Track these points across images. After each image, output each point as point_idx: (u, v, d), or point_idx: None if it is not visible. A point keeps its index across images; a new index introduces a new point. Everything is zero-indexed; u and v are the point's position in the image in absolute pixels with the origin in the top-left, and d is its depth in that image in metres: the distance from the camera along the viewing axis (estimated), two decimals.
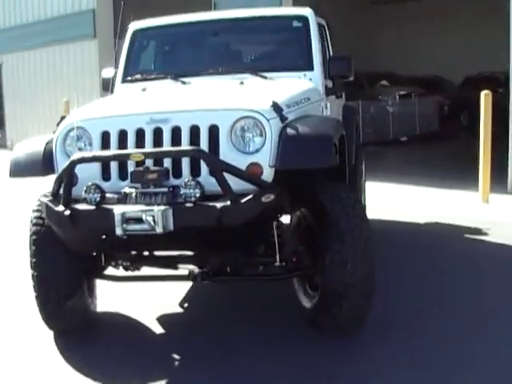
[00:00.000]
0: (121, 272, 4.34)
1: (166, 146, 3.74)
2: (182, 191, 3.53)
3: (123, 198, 3.67)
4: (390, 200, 8.57)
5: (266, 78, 4.83)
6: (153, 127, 3.76)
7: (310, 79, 4.91)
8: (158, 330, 4.47)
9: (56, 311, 4.24)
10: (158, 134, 3.76)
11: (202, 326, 4.49)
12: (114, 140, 3.82)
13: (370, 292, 3.97)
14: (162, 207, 3.50)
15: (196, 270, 4.22)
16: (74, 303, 4.23)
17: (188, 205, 3.53)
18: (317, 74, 4.96)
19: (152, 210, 3.49)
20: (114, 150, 3.75)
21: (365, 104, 15.18)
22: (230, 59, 5.29)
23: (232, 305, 4.88)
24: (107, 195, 3.67)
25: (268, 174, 3.69)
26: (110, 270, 4.37)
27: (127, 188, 3.70)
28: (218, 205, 3.47)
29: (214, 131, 3.72)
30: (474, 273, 5.44)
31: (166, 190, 3.62)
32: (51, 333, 4.37)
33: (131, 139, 3.79)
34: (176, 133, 3.75)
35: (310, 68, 4.96)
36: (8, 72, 18.39)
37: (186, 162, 3.70)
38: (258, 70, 4.90)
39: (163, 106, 3.98)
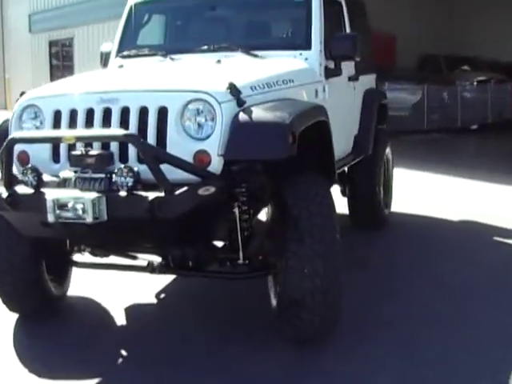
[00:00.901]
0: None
1: (114, 128, 3.44)
2: (114, 179, 3.23)
3: (62, 183, 3.41)
4: (429, 193, 7.95)
5: (256, 56, 4.42)
6: (102, 107, 3.48)
7: (306, 59, 4.46)
8: (122, 320, 4.21)
9: (12, 294, 4.07)
10: (107, 114, 3.48)
11: (172, 321, 4.18)
12: (64, 119, 3.58)
13: (333, 303, 3.53)
14: (94, 195, 3.20)
15: (156, 261, 3.94)
16: (31, 287, 4.03)
17: (122, 194, 3.21)
18: (314, 53, 4.49)
19: (82, 198, 3.20)
20: (46, 131, 3.49)
21: (435, 89, 14.42)
22: (225, 36, 4.90)
23: (212, 299, 4.54)
24: (50, 179, 3.43)
25: (217, 164, 3.31)
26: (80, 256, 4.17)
27: (67, 172, 3.42)
28: (151, 195, 3.13)
29: (163, 113, 3.38)
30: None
31: (103, 176, 3.31)
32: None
33: (81, 119, 3.53)
34: (125, 114, 3.45)
35: (307, 47, 4.50)
36: (79, 45, 18.59)
37: (132, 147, 3.39)
38: (253, 48, 4.49)
39: (114, 86, 3.68)
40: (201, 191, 3.16)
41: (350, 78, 5.28)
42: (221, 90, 3.35)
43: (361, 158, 5.63)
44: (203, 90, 3.35)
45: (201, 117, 3.35)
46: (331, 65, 4.64)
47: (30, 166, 3.42)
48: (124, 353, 3.76)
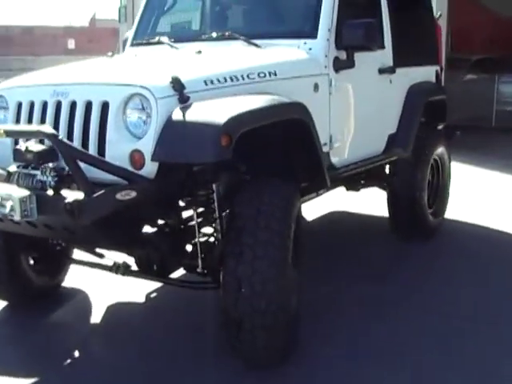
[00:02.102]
0: None
1: (63, 122, 3.27)
2: (38, 177, 3.04)
3: (7, 178, 3.28)
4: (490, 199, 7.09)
5: (256, 45, 4.04)
6: (54, 100, 3.32)
7: (310, 49, 4.01)
8: (99, 318, 4.05)
9: None
10: (58, 107, 3.31)
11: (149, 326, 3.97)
12: (24, 111, 3.45)
13: (280, 326, 3.13)
14: (24, 193, 3.02)
15: (120, 262, 3.76)
16: (6, 277, 4.00)
17: (49, 193, 3.02)
18: (319, 42, 4.03)
19: (10, 195, 3.03)
20: None
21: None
22: (230, 23, 4.59)
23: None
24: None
25: (150, 166, 3.02)
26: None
27: (13, 167, 3.28)
28: (70, 197, 2.90)
29: (105, 109, 3.15)
30: None
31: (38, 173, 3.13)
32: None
33: (36, 112, 3.39)
34: (73, 108, 3.25)
35: (312, 35, 4.05)
36: None
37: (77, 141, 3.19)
38: (257, 37, 4.12)
39: (66, 78, 3.50)
40: (119, 195, 2.88)
41: (382, 70, 4.74)
42: (160, 85, 3.05)
43: (399, 160, 5.09)
44: (141, 85, 3.07)
45: (140, 113, 3.08)
46: (343, 55, 4.16)
47: None
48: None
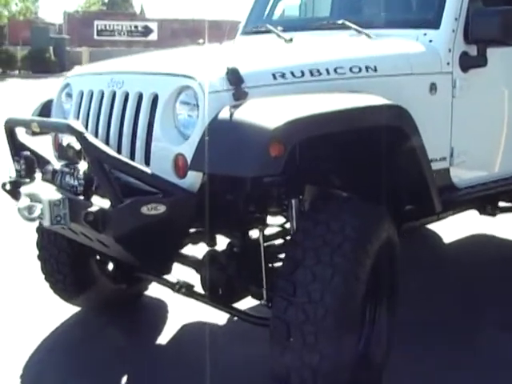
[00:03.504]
0: None
1: (115, 116, 2.87)
2: (67, 180, 2.64)
3: (51, 177, 2.93)
4: None
5: (367, 36, 3.36)
6: (110, 90, 2.93)
7: (430, 41, 3.27)
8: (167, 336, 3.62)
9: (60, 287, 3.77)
10: (114, 98, 2.91)
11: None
12: (84, 101, 3.10)
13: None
14: (56, 196, 2.65)
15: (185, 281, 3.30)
16: (79, 282, 3.69)
17: (80, 198, 2.62)
18: (443, 33, 3.27)
19: (39, 198, 2.67)
20: (21, 116, 3.03)
21: None
22: (350, 12, 3.92)
23: None
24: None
25: (194, 175, 2.50)
26: None
27: (59, 165, 2.93)
28: (94, 206, 2.47)
29: (155, 102, 2.69)
30: None
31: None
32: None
33: (94, 102, 3.03)
34: (126, 100, 2.84)
35: (434, 25, 3.29)
36: None
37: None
38: (372, 26, 3.45)
39: (125, 66, 3.10)
40: (145, 209, 2.39)
41: None
42: (212, 76, 2.52)
43: None
44: (190, 75, 2.56)
45: (190, 110, 2.57)
46: (473, 51, 3.36)
47: (24, 153, 3.01)
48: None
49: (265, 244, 2.96)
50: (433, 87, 3.21)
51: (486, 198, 3.89)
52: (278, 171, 2.30)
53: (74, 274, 3.66)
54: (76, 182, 2.61)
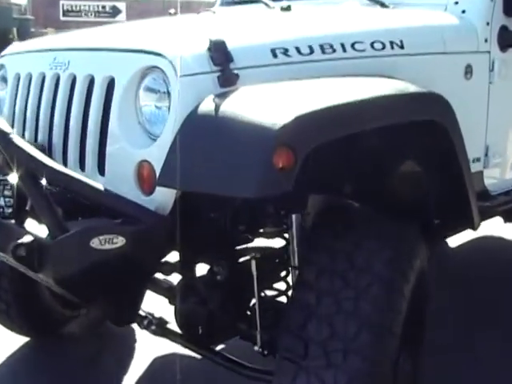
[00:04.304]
0: None
1: (60, 107, 2.13)
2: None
3: None
4: None
5: (383, 5, 2.66)
6: (53, 73, 2.19)
7: (463, 11, 2.59)
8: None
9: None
10: (58, 84, 2.17)
11: None
12: (22, 87, 2.35)
13: None
14: None
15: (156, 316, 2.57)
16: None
17: (9, 222, 1.90)
18: (478, 3, 2.60)
19: None
20: None
21: None
22: None
23: None
24: None
25: (164, 190, 1.78)
26: None
27: None
28: (27, 236, 1.74)
29: (111, 89, 1.96)
30: None
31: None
32: None
33: (34, 89, 2.28)
34: (73, 85, 2.10)
35: None
36: None
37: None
38: None
39: (71, 41, 2.36)
40: (96, 242, 1.67)
41: None
42: (188, 53, 1.80)
43: None
44: (157, 51, 1.84)
45: (159, 99, 1.86)
46: None
47: None
48: None
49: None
50: (468, 70, 2.53)
51: None
52: (287, 188, 1.61)
53: (19, 301, 2.96)
54: (2, 201, 1.88)
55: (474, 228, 2.43)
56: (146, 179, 1.82)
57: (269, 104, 1.68)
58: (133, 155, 1.85)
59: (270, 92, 1.76)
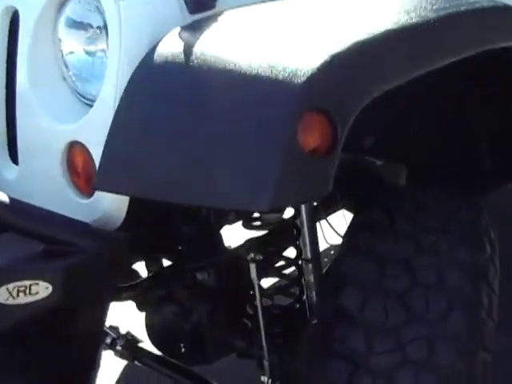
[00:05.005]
0: None
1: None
2: None
3: None
4: None
5: None
6: None
7: None
8: None
9: None
10: None
11: None
12: None
13: None
14: None
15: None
16: None
17: None
18: None
19: None
20: None
21: None
22: None
23: None
24: None
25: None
26: None
27: None
28: None
29: (15, 25, 1.26)
30: None
31: None
32: None
33: None
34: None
35: None
36: None
37: None
38: None
39: None
40: (5, 296, 0.98)
41: None
42: None
43: None
44: None
45: (90, 39, 1.15)
46: None
47: None
48: None
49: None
50: None
51: None
52: (325, 189, 0.94)
53: None
54: None
55: None
56: (82, 172, 1.13)
57: (276, 40, 0.98)
58: (57, 133, 1.16)
59: (273, 18, 1.06)
